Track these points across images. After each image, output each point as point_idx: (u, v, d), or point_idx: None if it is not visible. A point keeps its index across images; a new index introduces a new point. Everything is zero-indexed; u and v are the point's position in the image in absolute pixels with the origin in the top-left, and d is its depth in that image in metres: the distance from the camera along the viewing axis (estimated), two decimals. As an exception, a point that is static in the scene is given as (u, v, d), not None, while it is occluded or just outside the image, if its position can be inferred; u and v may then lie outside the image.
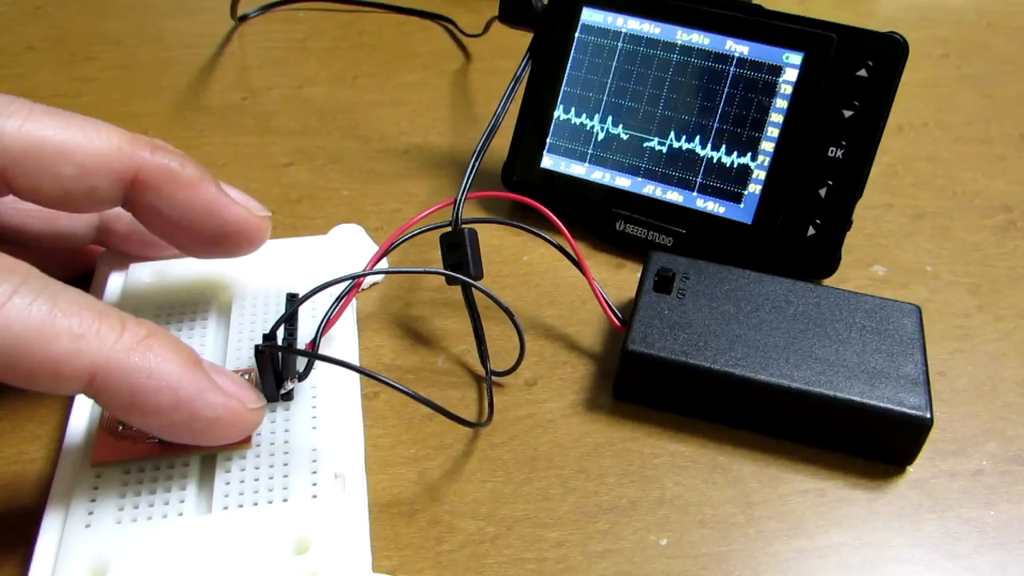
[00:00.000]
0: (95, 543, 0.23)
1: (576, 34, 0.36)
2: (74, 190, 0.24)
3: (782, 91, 0.33)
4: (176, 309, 0.29)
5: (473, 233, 0.31)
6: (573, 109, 0.36)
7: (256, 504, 0.24)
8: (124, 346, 0.22)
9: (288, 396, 0.26)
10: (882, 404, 0.27)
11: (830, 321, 0.29)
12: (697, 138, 0.34)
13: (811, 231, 0.33)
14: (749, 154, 0.34)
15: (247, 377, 0.26)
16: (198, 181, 0.26)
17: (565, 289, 0.34)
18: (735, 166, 0.34)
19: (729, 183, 0.34)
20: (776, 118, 0.33)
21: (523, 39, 0.37)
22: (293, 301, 0.27)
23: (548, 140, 0.37)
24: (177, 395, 0.22)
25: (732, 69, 0.34)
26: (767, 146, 0.33)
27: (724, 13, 0.34)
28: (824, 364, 0.28)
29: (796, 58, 0.33)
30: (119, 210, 0.26)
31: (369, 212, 0.38)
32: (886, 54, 0.32)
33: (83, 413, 0.26)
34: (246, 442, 0.25)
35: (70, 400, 0.27)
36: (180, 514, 0.23)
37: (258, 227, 0.27)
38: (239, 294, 0.30)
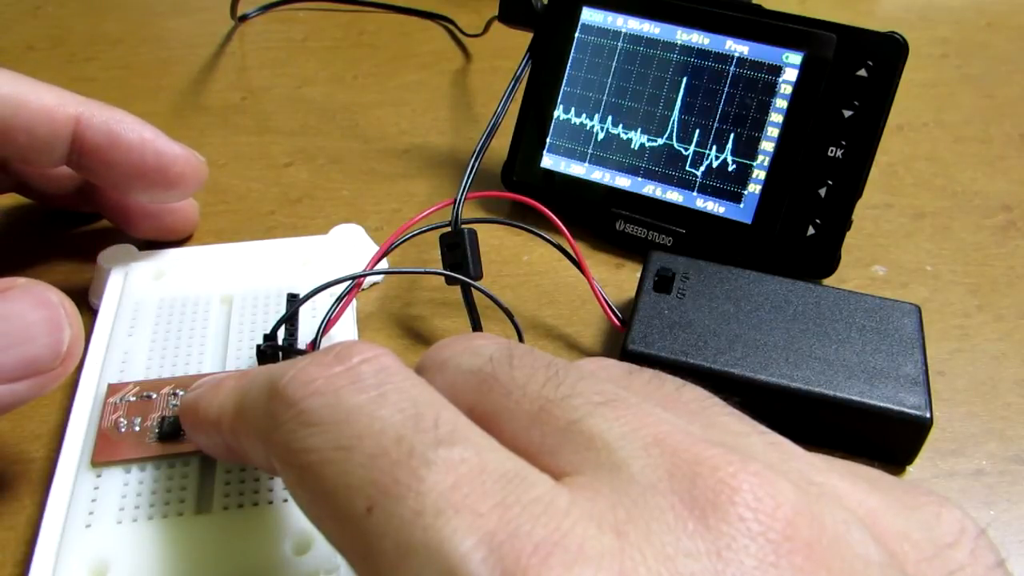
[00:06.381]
0: (95, 543, 0.23)
1: (576, 34, 0.36)
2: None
3: (782, 91, 0.33)
4: (176, 309, 0.29)
5: (473, 233, 0.31)
6: (573, 109, 0.36)
7: (256, 504, 0.24)
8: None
9: (288, 396, 0.26)
10: (882, 404, 0.27)
11: (830, 321, 0.29)
12: (697, 138, 0.34)
13: (811, 231, 0.33)
14: (749, 154, 0.34)
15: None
16: (137, 127, 0.30)
17: (565, 289, 0.34)
18: (735, 166, 0.34)
19: (729, 183, 0.34)
20: (776, 118, 0.33)
21: (523, 39, 0.37)
22: (294, 301, 0.27)
23: (548, 140, 0.37)
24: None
25: (732, 69, 0.34)
26: (767, 146, 0.33)
27: (724, 13, 0.34)
28: (824, 364, 0.28)
29: (796, 58, 0.33)
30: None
31: (369, 212, 0.38)
32: (886, 54, 0.32)
33: (83, 413, 0.26)
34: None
35: (70, 400, 0.27)
36: (180, 514, 0.23)
37: (191, 162, 0.30)
38: (239, 294, 0.30)
